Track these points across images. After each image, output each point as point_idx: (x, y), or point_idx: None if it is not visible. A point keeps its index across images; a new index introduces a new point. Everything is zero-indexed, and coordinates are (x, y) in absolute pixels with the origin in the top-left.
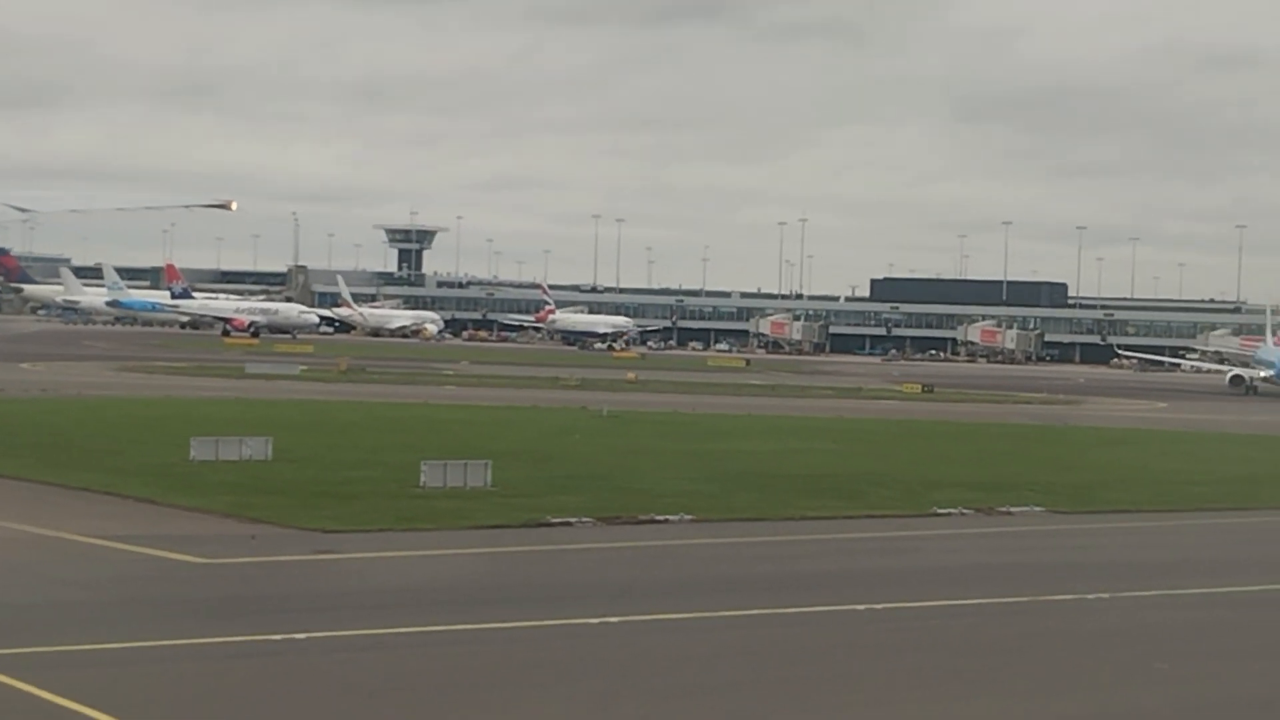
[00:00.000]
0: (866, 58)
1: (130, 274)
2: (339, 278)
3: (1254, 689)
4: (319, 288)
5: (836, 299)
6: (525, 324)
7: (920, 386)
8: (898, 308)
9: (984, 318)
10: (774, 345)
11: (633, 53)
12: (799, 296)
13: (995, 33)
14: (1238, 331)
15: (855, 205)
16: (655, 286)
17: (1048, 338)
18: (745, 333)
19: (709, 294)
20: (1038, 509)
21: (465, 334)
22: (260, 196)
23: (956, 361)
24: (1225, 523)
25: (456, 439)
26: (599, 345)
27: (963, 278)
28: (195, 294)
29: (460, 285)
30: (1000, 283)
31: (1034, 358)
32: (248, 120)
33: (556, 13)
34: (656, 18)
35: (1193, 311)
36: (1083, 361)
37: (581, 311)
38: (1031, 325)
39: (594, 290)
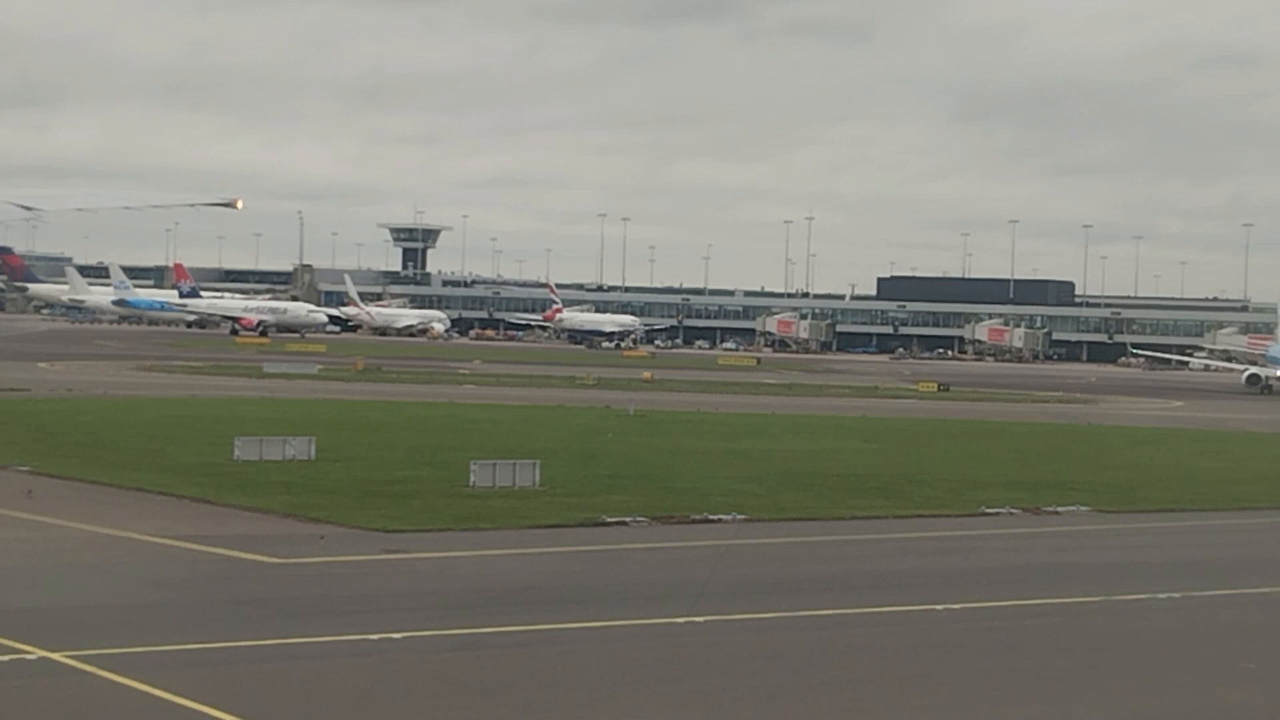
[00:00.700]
0: (867, 56)
1: (134, 273)
2: (346, 277)
3: None
4: (324, 286)
5: (840, 297)
6: (532, 323)
7: (936, 385)
8: (904, 306)
9: (991, 316)
10: (780, 344)
11: (633, 51)
12: (805, 295)
13: (996, 31)
14: (1245, 330)
15: (855, 203)
16: (659, 285)
17: (1055, 336)
18: (751, 331)
19: (713, 293)
20: (1083, 509)
21: (473, 333)
22: (261, 195)
23: (965, 360)
24: (1272, 522)
25: (490, 438)
26: (606, 344)
27: (968, 276)
28: (201, 293)
29: (466, 284)
30: (1007, 281)
31: (1041, 356)
32: (249, 119)
33: (557, 11)
34: (657, 16)
35: (1199, 310)
36: (1090, 360)
37: (588, 311)
38: (1039, 324)
39: (600, 289)
